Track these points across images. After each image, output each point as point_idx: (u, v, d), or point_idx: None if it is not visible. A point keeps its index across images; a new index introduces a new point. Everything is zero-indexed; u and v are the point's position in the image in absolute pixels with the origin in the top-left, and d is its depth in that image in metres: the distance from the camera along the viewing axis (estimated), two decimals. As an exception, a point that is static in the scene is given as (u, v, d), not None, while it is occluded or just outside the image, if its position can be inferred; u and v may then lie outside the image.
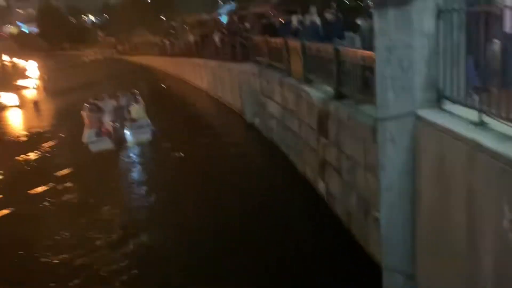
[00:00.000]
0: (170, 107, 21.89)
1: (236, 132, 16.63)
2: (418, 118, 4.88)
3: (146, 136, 15.20)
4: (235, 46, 18.01)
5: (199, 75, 25.45)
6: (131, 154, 14.69)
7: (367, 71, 6.61)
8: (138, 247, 8.55)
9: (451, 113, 4.59)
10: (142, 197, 11.23)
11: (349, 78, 7.39)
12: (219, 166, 12.61)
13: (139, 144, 15.03)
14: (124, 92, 17.18)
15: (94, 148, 14.52)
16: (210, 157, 13.66)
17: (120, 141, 14.77)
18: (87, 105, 16.12)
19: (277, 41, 12.46)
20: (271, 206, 9.43)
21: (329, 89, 8.34)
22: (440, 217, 4.58)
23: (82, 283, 7.52)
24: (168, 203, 10.56)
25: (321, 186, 9.12)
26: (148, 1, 56.01)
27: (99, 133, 14.93)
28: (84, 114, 15.88)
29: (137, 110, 15.69)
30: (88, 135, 14.98)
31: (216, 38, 21.23)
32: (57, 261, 8.34)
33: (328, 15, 11.26)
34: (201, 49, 24.68)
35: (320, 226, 8.39)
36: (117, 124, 14.93)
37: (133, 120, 15.39)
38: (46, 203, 11.33)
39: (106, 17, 70.70)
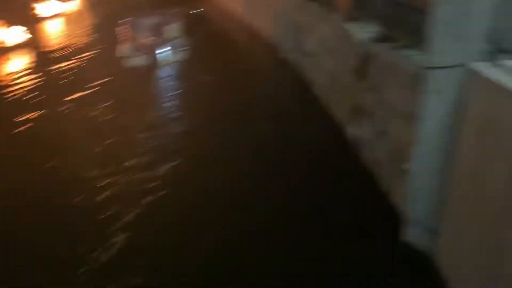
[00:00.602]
0: (205, 31, 21.44)
1: (268, 65, 16.19)
2: (470, 71, 4.54)
3: (180, 55, 15.43)
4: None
5: (237, 1, 24.48)
6: (164, 72, 14.89)
7: (418, 13, 6.12)
8: (167, 171, 8.67)
9: (507, 69, 4.24)
10: (172, 119, 11.36)
11: (398, 20, 6.89)
12: (246, 94, 12.64)
13: (172, 62, 15.25)
14: (161, 11, 17.03)
15: (128, 63, 14.91)
16: (238, 82, 13.73)
17: (154, 58, 14.97)
18: (125, 21, 16.11)
19: (324, -28, 11.65)
20: (294, 142, 9.38)
21: (375, 30, 7.84)
22: (478, 178, 4.39)
23: (107, 199, 7.81)
24: (197, 127, 10.67)
25: (350, 131, 8.91)
26: None
27: (135, 49, 15.14)
28: (121, 29, 15.92)
29: (173, 29, 15.84)
30: (123, 49, 15.27)
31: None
32: (84, 176, 8.63)
33: None
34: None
35: (345, 171, 8.29)
36: (153, 42, 15.07)
37: (169, 39, 15.49)
38: (77, 114, 11.67)
39: None
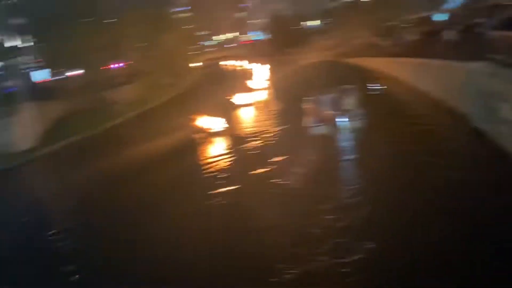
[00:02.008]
0: (382, 103, 21.67)
1: (455, 135, 15.09)
2: None
3: (357, 124, 16.96)
4: (463, 43, 16.29)
5: (419, 75, 23.99)
6: (343, 140, 16.34)
7: None
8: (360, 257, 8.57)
9: None
10: (355, 190, 11.64)
11: None
12: (429, 168, 12.10)
13: (351, 131, 16.66)
14: (341, 87, 18.40)
15: (313, 132, 17.19)
16: (424, 155, 13.34)
17: (334, 128, 17.03)
18: (311, 97, 18.69)
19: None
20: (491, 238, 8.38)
21: None
22: None
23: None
24: (378, 198, 10.80)
25: None
26: (366, 3, 56.18)
27: (318, 120, 17.50)
28: (306, 105, 18.53)
29: (351, 102, 17.75)
30: (309, 121, 17.74)
31: (448, 35, 19.74)
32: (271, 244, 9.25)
33: None
34: (423, 48, 23.30)
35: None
36: (334, 114, 17.27)
37: (347, 111, 17.44)
38: (266, 185, 12.86)
39: (326, 22, 73.54)
